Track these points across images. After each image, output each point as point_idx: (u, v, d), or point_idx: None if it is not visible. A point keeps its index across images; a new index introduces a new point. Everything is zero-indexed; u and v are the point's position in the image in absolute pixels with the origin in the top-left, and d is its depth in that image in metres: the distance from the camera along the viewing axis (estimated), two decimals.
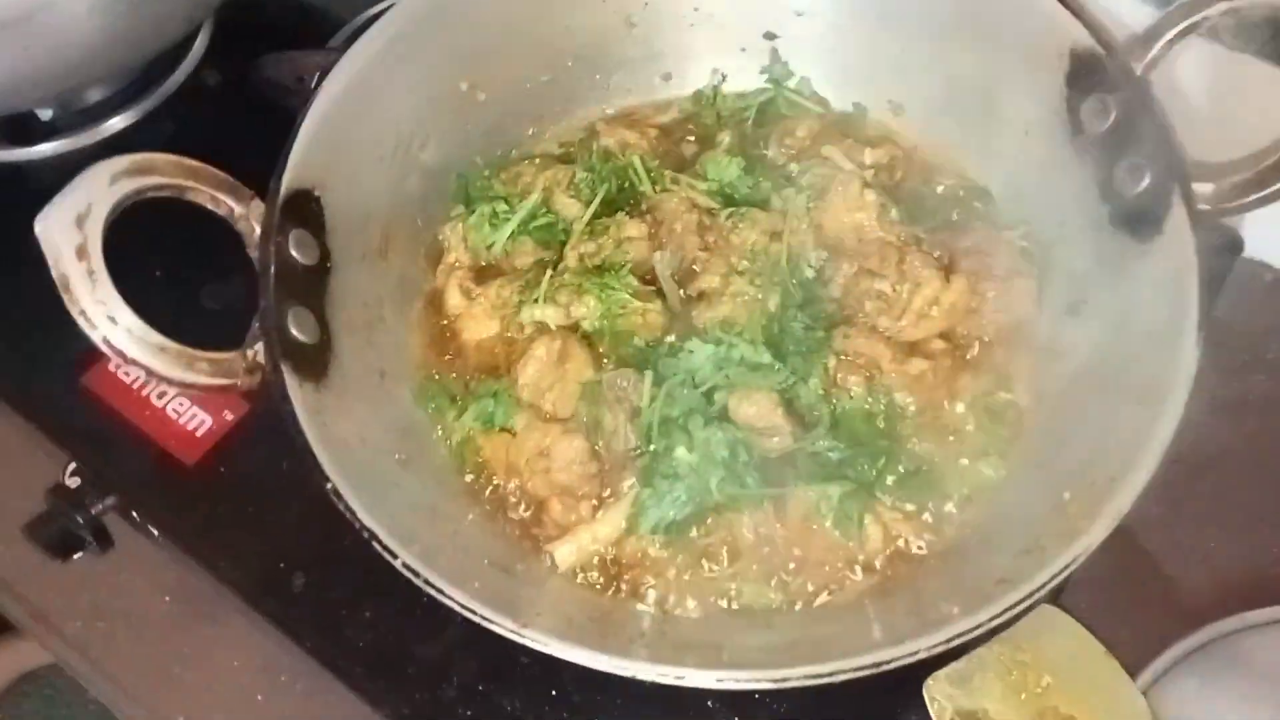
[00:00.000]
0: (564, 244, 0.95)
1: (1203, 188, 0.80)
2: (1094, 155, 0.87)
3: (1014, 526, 0.78)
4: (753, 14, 1.05)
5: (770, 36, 1.06)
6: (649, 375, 0.86)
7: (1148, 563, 1.01)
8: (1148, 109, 0.82)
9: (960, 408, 0.88)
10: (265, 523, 0.97)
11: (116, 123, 1.21)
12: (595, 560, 0.84)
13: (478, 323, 0.93)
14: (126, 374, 1.09)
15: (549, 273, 0.92)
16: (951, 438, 0.87)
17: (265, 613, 0.94)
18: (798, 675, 0.66)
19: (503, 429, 0.88)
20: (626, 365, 0.88)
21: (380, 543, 0.71)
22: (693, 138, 1.06)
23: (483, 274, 0.96)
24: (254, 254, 0.81)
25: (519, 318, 0.92)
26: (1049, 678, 0.85)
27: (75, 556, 1.07)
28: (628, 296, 0.89)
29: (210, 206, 0.82)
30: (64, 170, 0.72)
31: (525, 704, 0.86)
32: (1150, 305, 0.80)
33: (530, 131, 1.05)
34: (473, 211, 0.96)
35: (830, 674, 0.66)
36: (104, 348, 0.72)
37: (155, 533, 1.04)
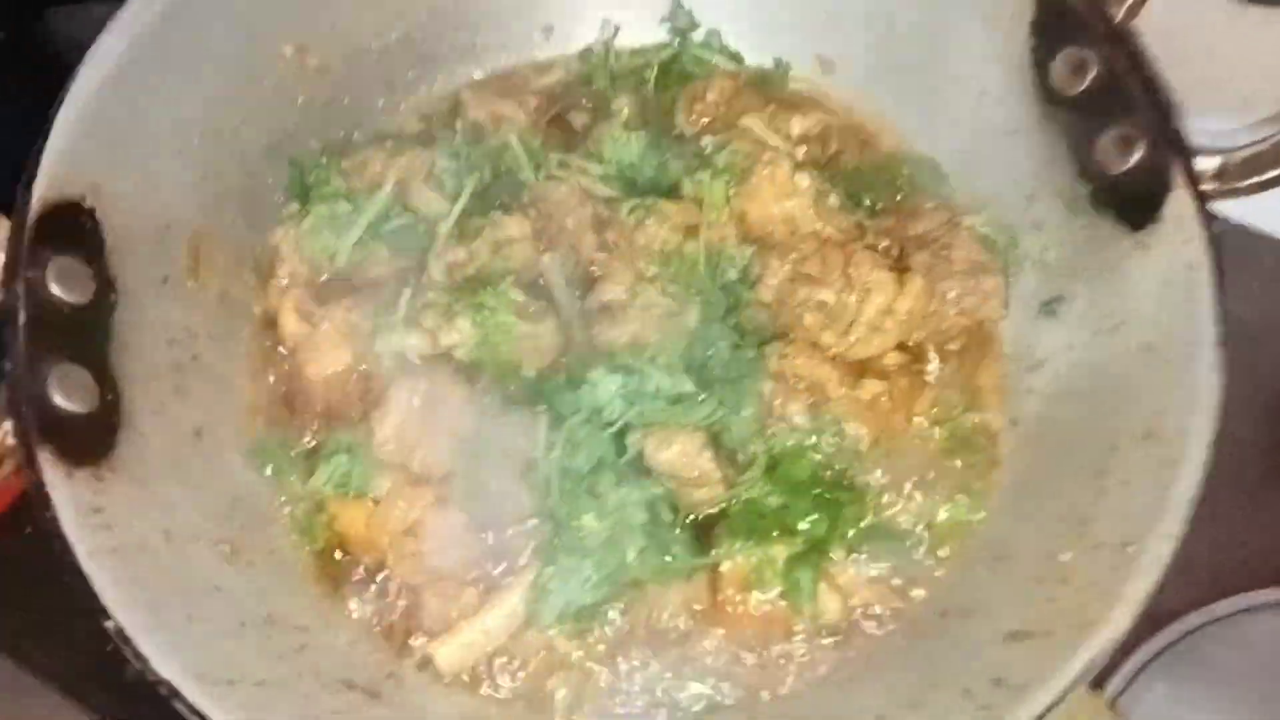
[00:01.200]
0: (427, 250, 0.79)
1: (1207, 163, 0.66)
2: (1069, 121, 0.74)
3: (1001, 594, 0.65)
4: None
5: None
6: (543, 417, 0.71)
7: None
8: (1137, 64, 0.68)
9: (923, 435, 0.74)
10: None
11: None
12: (488, 661, 0.68)
13: (323, 354, 0.77)
14: None
15: (408, 291, 0.76)
16: (915, 474, 0.72)
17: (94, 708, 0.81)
18: None
19: (361, 494, 0.72)
20: (514, 404, 0.73)
21: (184, 701, 0.52)
22: (583, 106, 0.89)
23: (326, 291, 0.80)
24: None
25: (374, 348, 0.75)
26: None
27: None
28: (511, 318, 0.73)
29: None
30: None
31: None
32: (1147, 312, 0.68)
33: (380, 103, 0.89)
34: (308, 213, 0.79)
35: None
36: None
37: None
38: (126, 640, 0.54)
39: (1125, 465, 0.63)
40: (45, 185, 0.64)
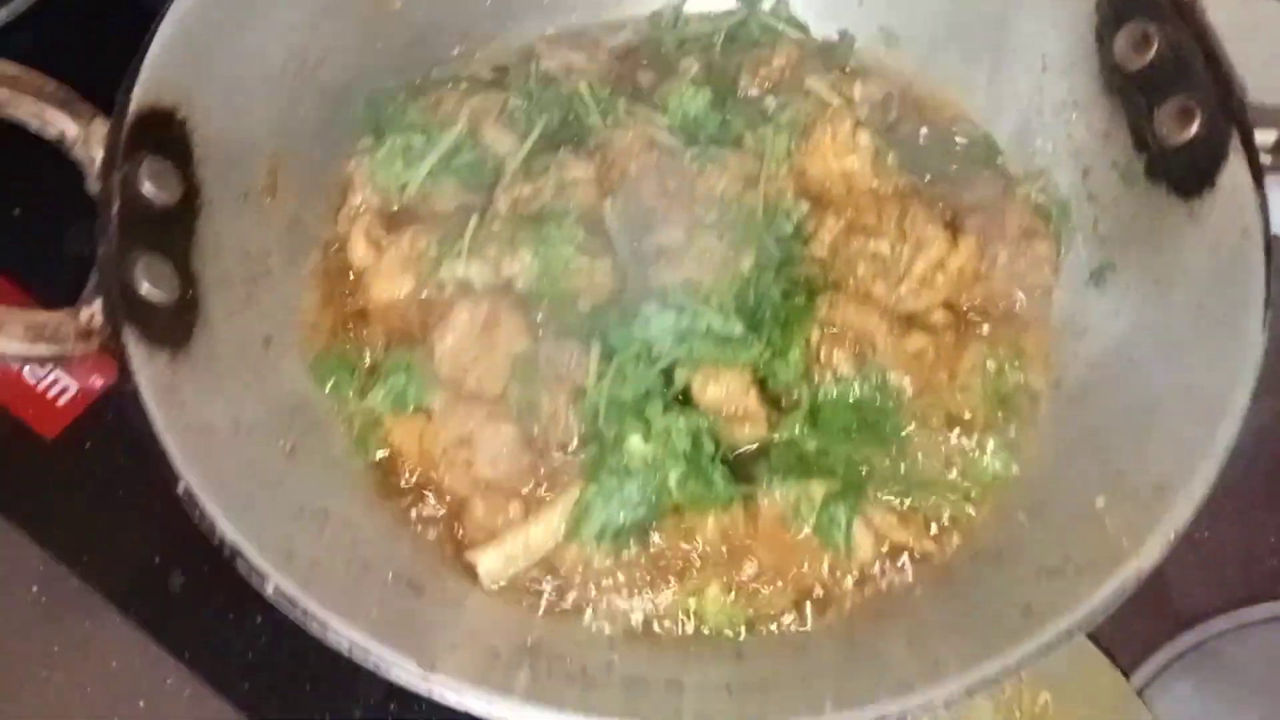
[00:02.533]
0: (493, 186, 0.83)
1: (1264, 135, 0.67)
2: (1129, 94, 0.77)
3: (1034, 538, 0.67)
4: None
5: None
6: (596, 347, 0.74)
7: None
8: (1201, 38, 0.71)
9: (966, 390, 0.76)
10: (138, 511, 0.86)
11: None
12: (527, 573, 0.71)
13: (388, 279, 0.81)
14: None
15: (474, 220, 0.79)
16: (955, 427, 0.75)
17: (137, 618, 0.84)
18: None
19: (417, 409, 0.76)
20: (568, 335, 0.76)
21: (246, 561, 0.55)
22: (650, 65, 0.93)
23: (394, 220, 0.83)
24: (94, 188, 0.67)
25: (438, 274, 0.79)
26: (1046, 694, 0.80)
27: None
28: (571, 251, 0.77)
29: (36, 126, 0.66)
30: None
31: None
32: (1198, 276, 0.70)
33: (456, 51, 0.93)
34: (383, 144, 0.83)
35: None
36: None
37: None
38: (194, 501, 0.57)
39: (1165, 419, 0.65)
40: (142, 92, 0.68)
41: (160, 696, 0.83)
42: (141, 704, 0.83)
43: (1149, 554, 0.57)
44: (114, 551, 0.86)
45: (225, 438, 0.64)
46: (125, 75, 0.68)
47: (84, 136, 0.67)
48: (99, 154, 0.66)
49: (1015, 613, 0.59)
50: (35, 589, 0.91)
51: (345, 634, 0.56)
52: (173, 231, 0.69)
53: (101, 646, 0.86)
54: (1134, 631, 0.85)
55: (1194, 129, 0.70)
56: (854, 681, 0.59)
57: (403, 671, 0.55)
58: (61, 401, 0.90)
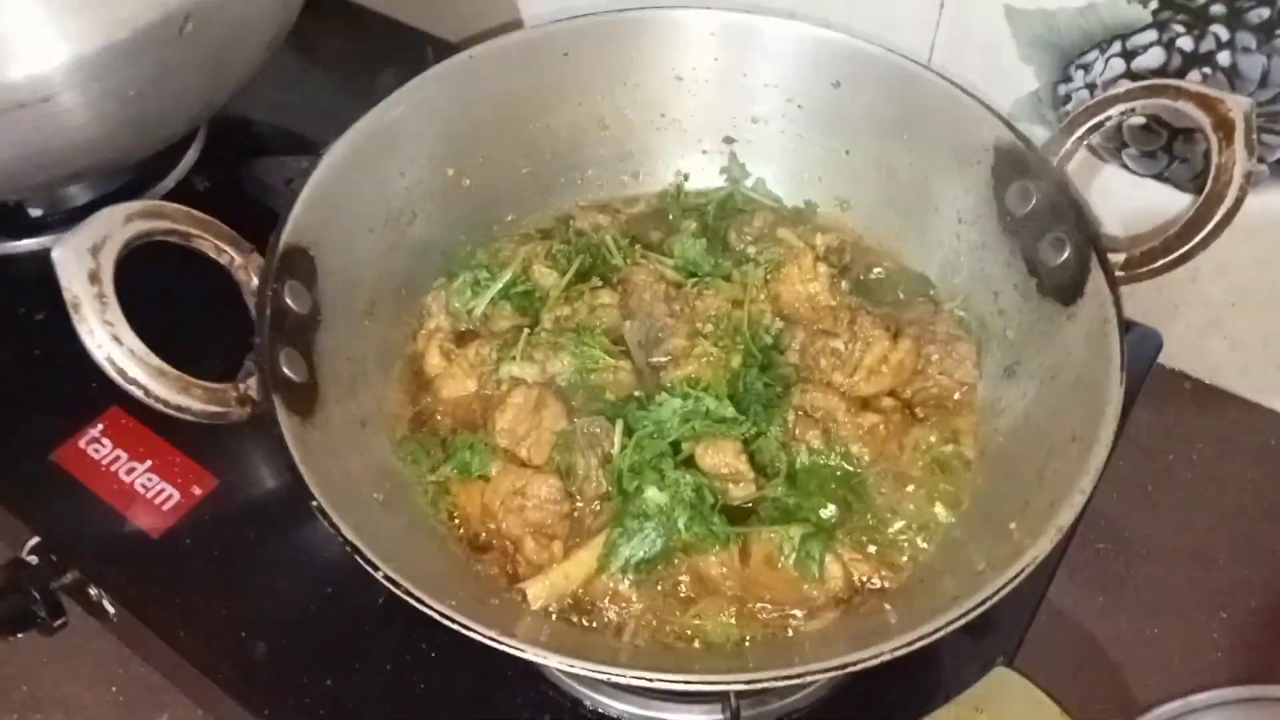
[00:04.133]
0: (540, 310, 1.00)
1: (1116, 257, 0.89)
2: (1020, 234, 0.97)
3: (966, 557, 0.83)
4: (714, 120, 1.15)
5: (729, 140, 1.17)
6: (619, 425, 0.91)
7: (1092, 650, 1.06)
8: (1064, 190, 0.93)
9: (910, 458, 0.93)
10: (229, 592, 0.99)
11: None
12: (567, 599, 0.86)
13: (456, 381, 0.97)
14: (97, 449, 1.12)
15: (526, 332, 0.97)
16: (905, 486, 0.92)
17: (221, 681, 0.93)
18: (765, 678, 0.68)
19: (479, 477, 0.92)
20: (598, 416, 0.92)
21: (363, 556, 0.73)
22: (657, 227, 1.14)
23: (462, 338, 1.01)
24: (251, 300, 0.87)
25: (496, 374, 0.96)
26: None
27: (19, 635, 1.05)
28: (600, 354, 0.94)
29: (213, 255, 0.87)
30: (48, 265, 0.76)
31: None
32: (1078, 358, 0.87)
33: (510, 217, 1.11)
34: (456, 278, 1.02)
35: (799, 675, 0.68)
36: (106, 367, 0.76)
37: (111, 611, 1.05)
38: (324, 512, 0.73)
39: (1056, 461, 0.82)
40: (289, 231, 0.88)
41: None
42: None
43: (1043, 545, 0.73)
44: (204, 626, 0.95)
45: (339, 481, 0.80)
46: (278, 222, 0.90)
47: (244, 264, 0.86)
48: (255, 277, 0.85)
49: (948, 601, 0.74)
50: (114, 689, 1.11)
51: (439, 609, 0.70)
52: (303, 334, 0.87)
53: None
54: (1094, 716, 0.96)
55: (1066, 254, 0.90)
56: (827, 653, 0.73)
57: (483, 637, 0.69)
58: (167, 506, 1.03)
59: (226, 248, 0.87)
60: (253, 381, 0.82)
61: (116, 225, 0.80)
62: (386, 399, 0.98)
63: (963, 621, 0.68)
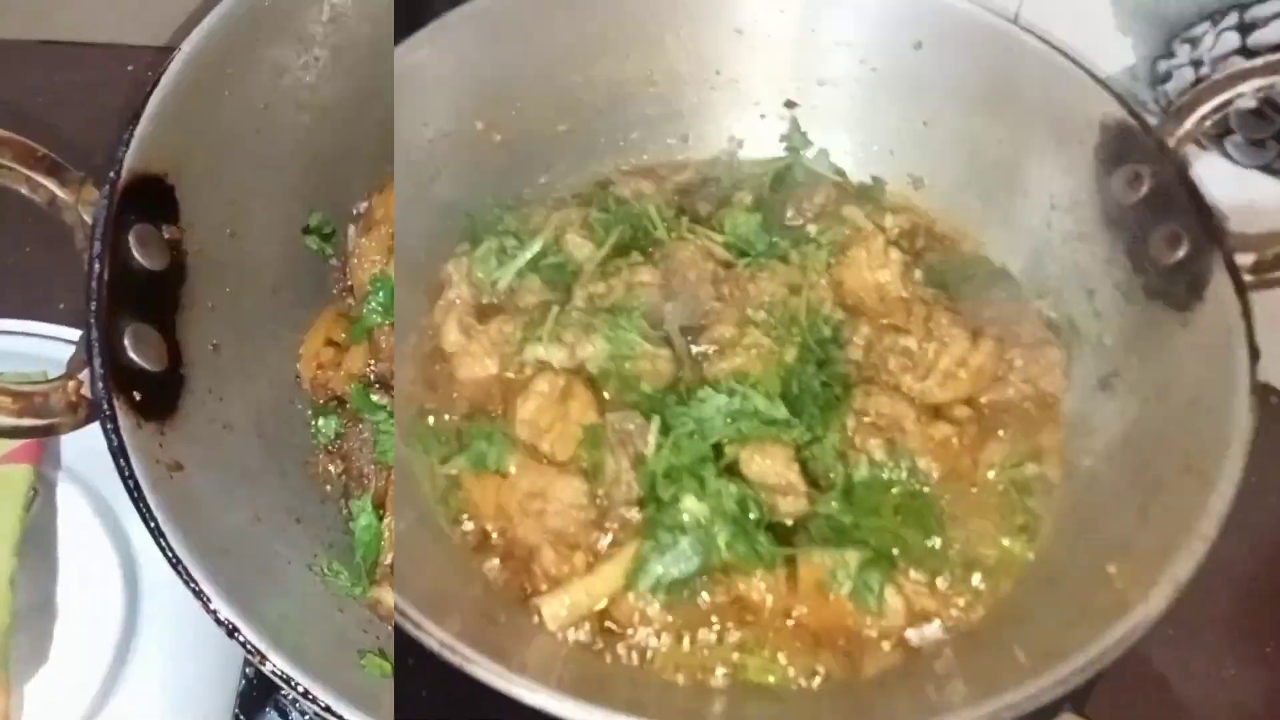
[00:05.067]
0: (572, 285, 0.92)
1: (1243, 258, 0.77)
2: (1126, 225, 0.86)
3: (1053, 601, 0.72)
4: (775, 80, 1.04)
5: (791, 104, 1.06)
6: (656, 422, 0.82)
7: (1163, 690, 0.98)
8: (1184, 176, 0.81)
9: (987, 477, 0.82)
10: None
11: None
12: (587, 619, 0.76)
13: (475, 361, 0.88)
14: None
15: (555, 309, 0.88)
16: (978, 510, 0.81)
17: None
18: None
19: (495, 472, 0.82)
20: (632, 410, 0.84)
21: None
22: (706, 199, 1.03)
23: (484, 312, 0.92)
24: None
25: (520, 356, 0.87)
26: None
27: None
28: (638, 339, 0.85)
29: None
30: None
31: None
32: (1193, 374, 0.77)
33: (543, 179, 1.03)
34: (480, 245, 0.93)
35: None
36: None
37: None
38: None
39: (1166, 496, 0.71)
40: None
41: None
42: None
43: (1156, 602, 0.63)
44: None
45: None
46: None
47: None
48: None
49: (1040, 658, 0.63)
50: None
51: (437, 635, 0.62)
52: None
53: None
54: None
55: (1182, 251, 0.79)
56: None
57: (484, 671, 0.61)
58: None
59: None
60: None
61: None
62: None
63: (1061, 693, 0.57)
